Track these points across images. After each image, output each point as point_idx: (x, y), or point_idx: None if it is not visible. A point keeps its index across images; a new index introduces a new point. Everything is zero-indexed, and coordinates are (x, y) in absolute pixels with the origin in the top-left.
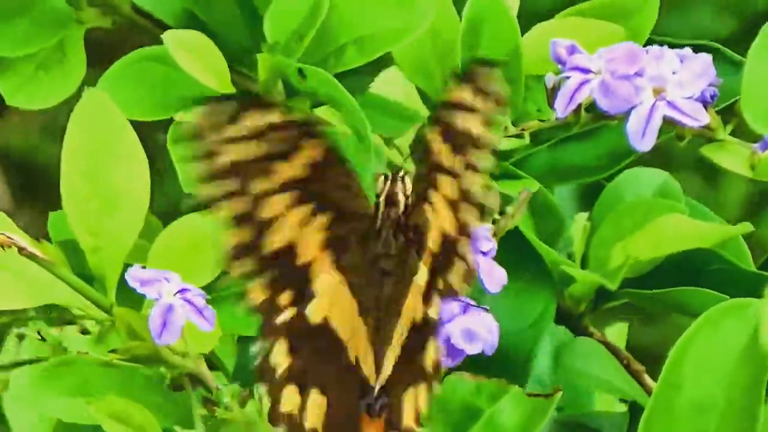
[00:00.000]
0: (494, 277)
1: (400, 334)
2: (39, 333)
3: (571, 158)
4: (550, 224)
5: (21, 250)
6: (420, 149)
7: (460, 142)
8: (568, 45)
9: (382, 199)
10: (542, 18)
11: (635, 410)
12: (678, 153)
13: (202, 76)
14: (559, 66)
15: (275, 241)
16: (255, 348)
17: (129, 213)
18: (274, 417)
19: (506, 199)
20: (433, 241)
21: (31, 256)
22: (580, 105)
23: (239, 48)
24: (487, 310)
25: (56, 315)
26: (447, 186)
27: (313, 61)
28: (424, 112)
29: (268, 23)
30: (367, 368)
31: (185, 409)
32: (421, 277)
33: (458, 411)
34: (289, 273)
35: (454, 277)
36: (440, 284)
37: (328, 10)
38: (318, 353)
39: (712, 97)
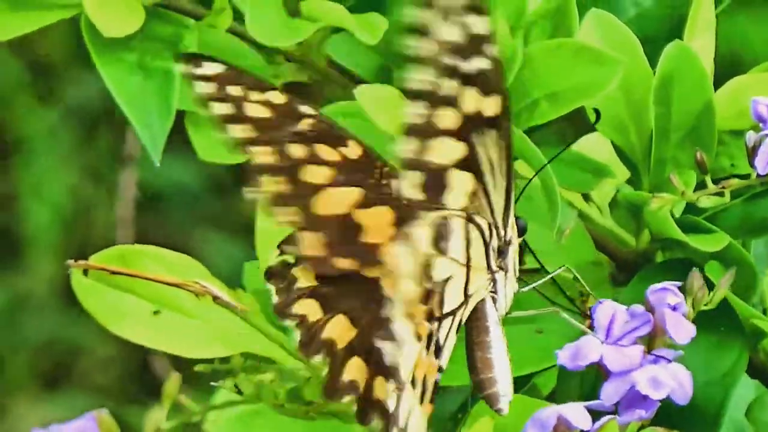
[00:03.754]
0: (681, 330)
1: None
2: (236, 386)
3: (764, 212)
4: (743, 278)
5: (215, 298)
6: None
7: None
8: None
9: None
10: (736, 73)
11: None
12: None
13: (393, 129)
14: (760, 124)
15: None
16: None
17: None
18: (281, 310)
19: (697, 254)
20: None
21: (226, 305)
22: None
23: None
24: (676, 361)
25: (252, 364)
26: None
27: None
28: (622, 169)
29: None
30: None
31: None
32: None
33: None
34: (347, 238)
35: None
36: None
37: (521, 65)
38: (354, 289)
39: None
